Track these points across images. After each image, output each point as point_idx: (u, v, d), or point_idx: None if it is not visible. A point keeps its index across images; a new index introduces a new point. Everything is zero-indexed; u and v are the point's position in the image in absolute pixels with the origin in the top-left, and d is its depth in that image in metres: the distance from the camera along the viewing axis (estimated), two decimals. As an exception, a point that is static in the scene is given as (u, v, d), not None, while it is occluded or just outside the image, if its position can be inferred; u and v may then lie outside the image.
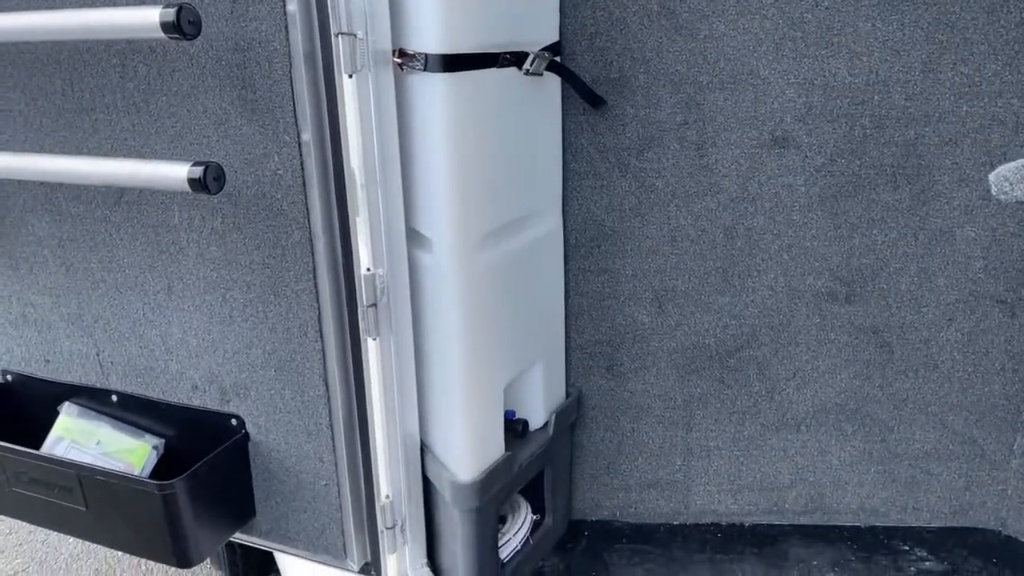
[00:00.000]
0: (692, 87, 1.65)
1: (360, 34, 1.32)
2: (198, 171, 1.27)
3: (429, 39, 1.31)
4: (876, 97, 1.62)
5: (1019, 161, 1.02)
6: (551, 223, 1.69)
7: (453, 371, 1.51)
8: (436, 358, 1.54)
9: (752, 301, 1.78)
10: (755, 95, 1.64)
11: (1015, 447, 1.82)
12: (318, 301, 1.47)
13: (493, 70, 1.40)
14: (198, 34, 1.21)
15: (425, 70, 1.32)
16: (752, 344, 1.81)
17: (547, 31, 1.57)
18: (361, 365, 1.51)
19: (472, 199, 1.42)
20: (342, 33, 1.31)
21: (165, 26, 1.18)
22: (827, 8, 1.58)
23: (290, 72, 1.34)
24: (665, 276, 1.78)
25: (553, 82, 1.61)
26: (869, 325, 1.77)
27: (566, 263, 1.78)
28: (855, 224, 1.71)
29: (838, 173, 1.68)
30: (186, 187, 1.28)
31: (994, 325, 1.74)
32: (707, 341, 1.82)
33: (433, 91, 1.34)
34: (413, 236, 1.48)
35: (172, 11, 1.17)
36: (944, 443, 1.84)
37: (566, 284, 1.79)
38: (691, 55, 1.63)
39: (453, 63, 1.32)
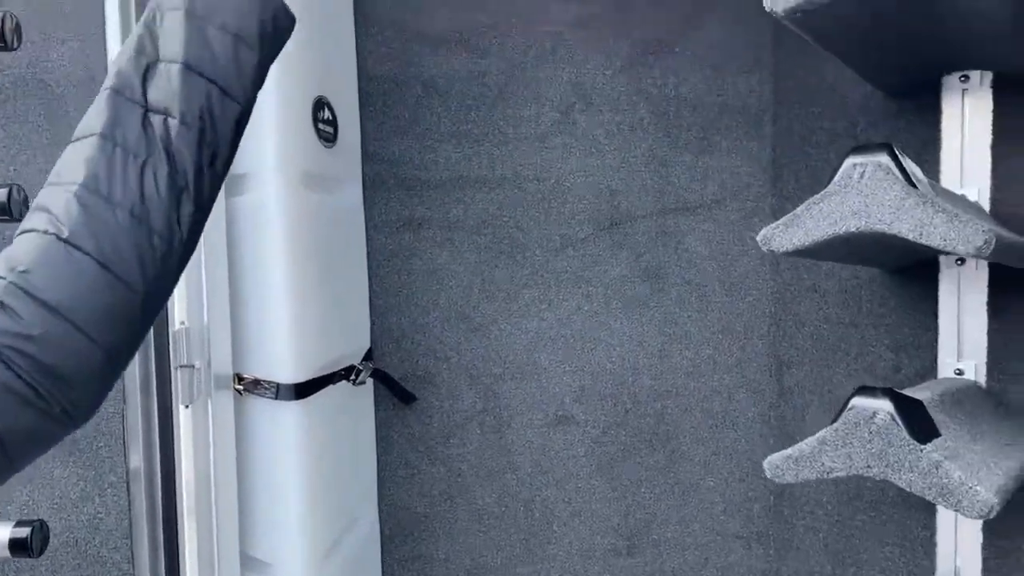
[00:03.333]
0: (488, 378, 1.86)
1: (199, 364, 1.31)
2: (23, 532, 1.11)
3: (281, 370, 1.35)
4: (630, 379, 1.98)
5: (786, 451, 1.35)
6: (370, 519, 1.71)
7: None
8: None
9: (552, 567, 1.93)
10: (540, 382, 1.90)
11: (768, 656, 2.13)
12: (137, 656, 1.29)
13: (331, 387, 1.47)
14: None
15: (277, 398, 1.34)
16: (556, 607, 1.94)
17: (363, 340, 1.69)
18: None
19: (318, 517, 1.42)
20: (181, 366, 1.29)
21: None
22: (587, 312, 1.93)
23: (123, 409, 1.27)
24: (475, 554, 1.86)
25: (368, 383, 1.71)
26: (649, 573, 2.01)
27: (382, 555, 1.78)
28: (627, 485, 1.99)
29: (610, 443, 1.97)
30: (4, 552, 1.10)
31: (737, 559, 2.08)
32: (516, 612, 1.91)
33: (284, 417, 1.36)
34: (247, 562, 1.40)
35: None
36: (718, 668, 2.09)
37: (383, 578, 1.78)
38: (486, 352, 1.85)
39: (303, 390, 1.36)
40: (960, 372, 1.73)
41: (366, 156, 1.73)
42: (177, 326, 1.28)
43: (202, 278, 1.33)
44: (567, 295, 1.91)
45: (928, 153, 1.81)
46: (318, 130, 1.45)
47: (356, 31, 1.72)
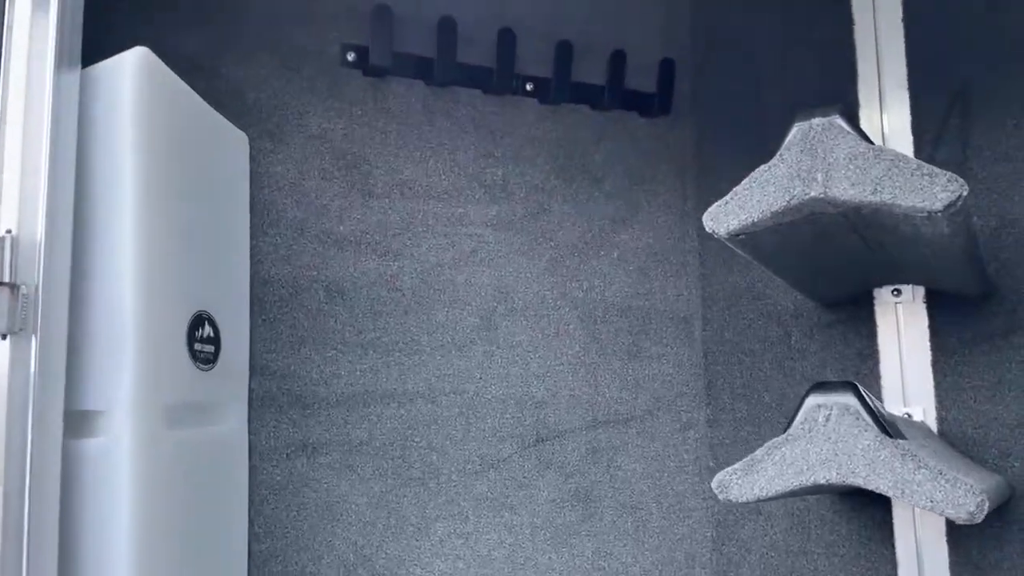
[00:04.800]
0: (393, 637, 1.54)
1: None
2: None
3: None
4: (562, 624, 1.69)
5: None
6: None
7: None
8: None
9: None
10: (455, 637, 1.59)
11: None
12: None
13: None
14: None
15: None
16: None
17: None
18: None
19: None
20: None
21: None
22: (510, 546, 1.67)
23: None
24: None
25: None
26: None
27: None
28: None
29: None
30: None
31: None
32: None
33: None
34: None
35: None
36: None
37: None
38: (390, 602, 1.55)
39: None
40: (926, 614, 1.55)
41: (254, 372, 1.49)
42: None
43: (23, 545, 1.03)
44: (487, 526, 1.65)
45: (867, 367, 1.71)
46: (194, 352, 1.21)
47: (252, 230, 1.53)
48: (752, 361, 1.84)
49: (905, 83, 1.71)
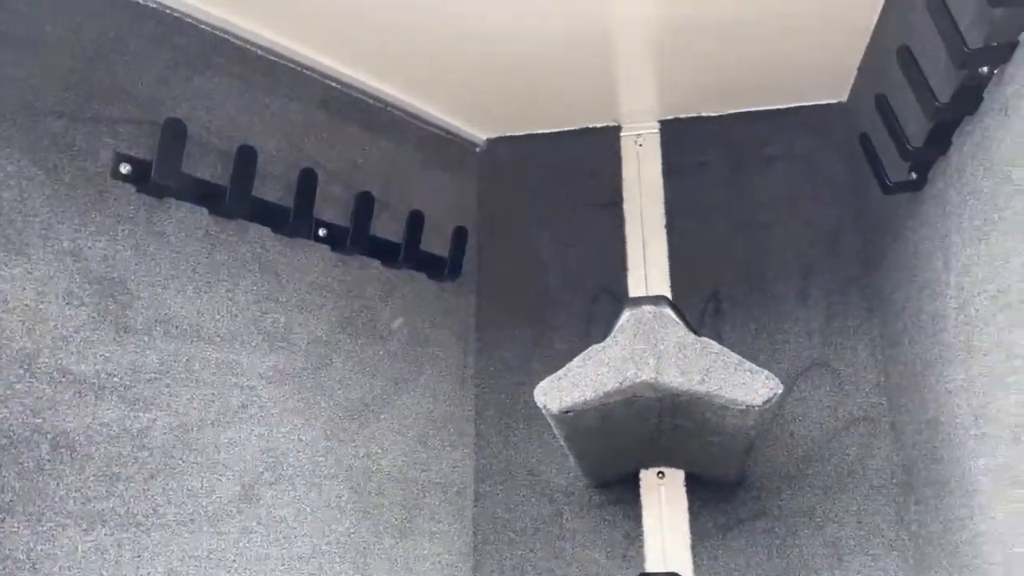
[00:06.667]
0: None
1: None
2: None
3: None
4: None
5: None
6: None
7: None
8: None
9: None
10: None
11: None
12: None
13: None
14: None
15: None
16: None
17: None
18: None
19: None
20: None
21: None
22: None
23: None
24: None
25: None
26: None
27: None
28: None
29: None
30: None
31: None
32: None
33: None
34: None
35: None
36: None
37: None
38: None
39: None
40: None
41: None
42: None
43: None
44: None
45: (633, 549, 1.74)
46: None
47: None
48: (523, 541, 1.78)
49: (668, 279, 1.90)
